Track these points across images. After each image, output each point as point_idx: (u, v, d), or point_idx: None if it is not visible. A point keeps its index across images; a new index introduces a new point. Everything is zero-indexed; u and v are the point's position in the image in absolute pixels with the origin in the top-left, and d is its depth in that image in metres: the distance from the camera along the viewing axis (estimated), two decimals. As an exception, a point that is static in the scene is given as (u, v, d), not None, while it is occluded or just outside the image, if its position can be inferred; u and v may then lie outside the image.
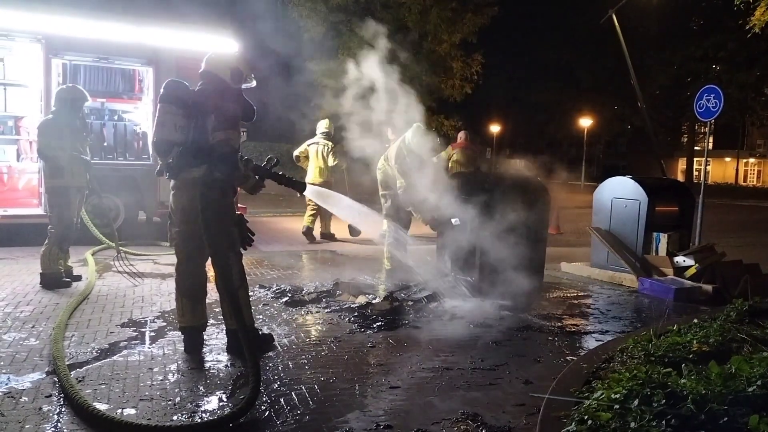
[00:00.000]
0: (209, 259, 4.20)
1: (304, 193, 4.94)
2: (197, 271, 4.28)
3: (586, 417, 2.87)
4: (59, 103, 6.04)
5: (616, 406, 2.88)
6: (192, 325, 4.25)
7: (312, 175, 9.66)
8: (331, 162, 9.63)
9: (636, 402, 2.86)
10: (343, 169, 9.91)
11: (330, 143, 9.67)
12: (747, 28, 9.59)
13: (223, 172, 4.00)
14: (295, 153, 9.98)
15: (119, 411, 3.20)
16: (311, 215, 9.91)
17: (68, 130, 5.94)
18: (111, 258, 7.33)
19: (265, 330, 4.75)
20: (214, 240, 3.96)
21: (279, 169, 4.45)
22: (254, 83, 4.41)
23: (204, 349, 4.26)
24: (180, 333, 4.32)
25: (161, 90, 4.10)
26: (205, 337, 4.52)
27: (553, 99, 40.98)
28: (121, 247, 7.50)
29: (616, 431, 2.72)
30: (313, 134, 10.06)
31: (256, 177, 4.30)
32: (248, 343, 3.63)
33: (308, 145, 9.84)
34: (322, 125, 9.82)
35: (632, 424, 2.71)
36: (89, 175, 6.19)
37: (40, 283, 5.90)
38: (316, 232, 10.08)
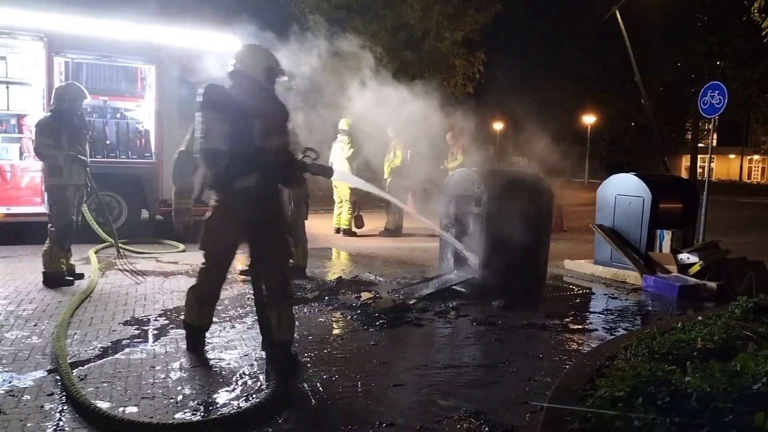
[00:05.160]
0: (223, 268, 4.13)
1: (332, 177, 4.73)
2: (220, 278, 4.15)
3: (589, 415, 2.85)
4: (57, 102, 6.04)
5: (620, 404, 2.86)
6: (196, 324, 4.19)
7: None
8: (346, 153, 9.96)
9: (640, 400, 2.85)
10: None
11: (347, 138, 10.02)
12: (763, 34, 9.58)
13: (286, 180, 3.90)
14: None
15: (121, 409, 3.19)
16: (348, 215, 10.25)
17: (66, 129, 5.93)
18: (113, 256, 7.33)
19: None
20: (275, 250, 3.91)
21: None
22: (286, 79, 4.15)
23: (206, 347, 4.24)
24: (183, 329, 4.28)
25: (201, 95, 3.83)
26: (207, 334, 4.51)
27: (556, 96, 40.87)
28: (122, 245, 7.50)
29: (620, 429, 2.70)
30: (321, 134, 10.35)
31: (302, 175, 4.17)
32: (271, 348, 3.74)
33: (333, 144, 10.13)
34: (342, 123, 10.07)
35: (636, 422, 2.69)
36: (88, 174, 6.18)
37: (43, 282, 5.90)
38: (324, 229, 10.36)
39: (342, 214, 10.51)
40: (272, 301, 3.92)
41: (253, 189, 3.77)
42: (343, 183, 10.00)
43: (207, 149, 3.75)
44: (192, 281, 5.89)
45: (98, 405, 3.15)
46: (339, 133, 10.16)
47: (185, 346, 4.21)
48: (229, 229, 3.91)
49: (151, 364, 3.89)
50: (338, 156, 9.96)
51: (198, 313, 4.16)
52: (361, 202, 10.74)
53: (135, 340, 4.37)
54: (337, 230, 10.57)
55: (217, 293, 4.23)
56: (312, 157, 4.11)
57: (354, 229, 10.42)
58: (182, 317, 4.33)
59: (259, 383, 3.62)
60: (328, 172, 4.51)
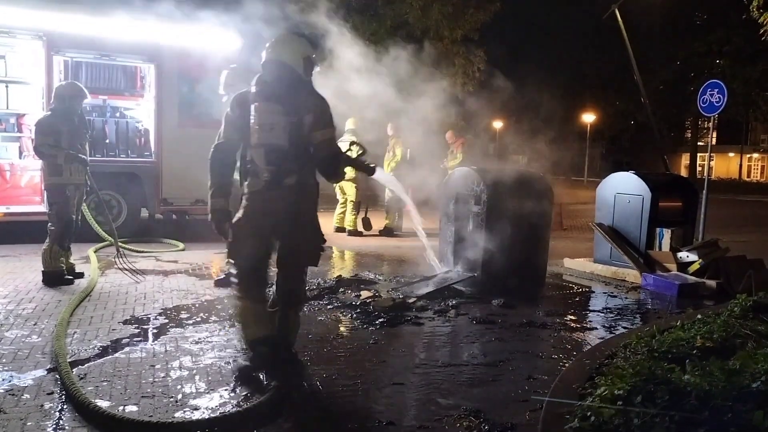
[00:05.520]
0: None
1: (374, 176, 4.57)
2: (262, 282, 3.80)
3: (589, 413, 2.85)
4: (57, 101, 6.04)
5: (620, 403, 2.86)
6: (268, 333, 3.69)
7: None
8: (354, 153, 9.84)
9: (639, 398, 2.84)
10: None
11: (353, 138, 9.94)
12: (761, 32, 9.59)
13: (331, 175, 3.70)
14: None
15: (121, 408, 3.20)
16: (352, 216, 10.29)
17: (66, 128, 5.93)
18: (113, 255, 7.33)
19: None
20: (296, 256, 3.68)
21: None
22: (318, 69, 3.86)
23: (205, 346, 4.25)
24: (247, 347, 3.73)
25: (255, 85, 3.57)
26: (206, 334, 4.53)
27: (556, 95, 40.87)
28: (122, 245, 7.51)
29: (619, 428, 2.70)
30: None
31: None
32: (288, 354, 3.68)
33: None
34: (349, 123, 10.04)
35: (635, 421, 2.69)
36: (88, 173, 6.19)
37: (43, 281, 5.90)
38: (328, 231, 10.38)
39: (345, 214, 10.49)
40: (279, 303, 3.76)
41: (296, 187, 3.55)
42: (348, 183, 9.99)
43: (269, 144, 3.47)
44: (193, 281, 5.88)
45: (97, 403, 3.15)
46: (346, 133, 10.08)
47: (185, 345, 4.20)
48: (264, 232, 3.63)
49: (150, 363, 3.89)
50: None
51: (270, 318, 3.71)
52: (362, 202, 10.74)
53: (135, 339, 4.37)
54: (338, 229, 10.56)
55: (265, 293, 3.82)
56: (357, 152, 3.89)
57: (361, 229, 10.41)
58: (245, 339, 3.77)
59: (259, 381, 3.62)
60: (370, 170, 4.32)
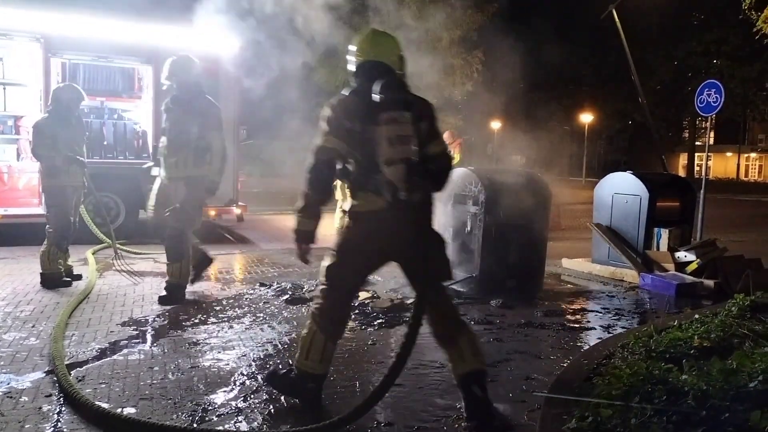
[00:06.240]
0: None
1: None
2: (350, 311, 3.53)
3: (587, 413, 2.86)
4: (55, 103, 6.04)
5: (617, 403, 2.87)
6: (316, 372, 3.32)
7: None
8: None
9: (637, 398, 2.86)
10: None
11: None
12: (755, 30, 9.61)
13: (441, 189, 3.27)
14: None
15: (119, 410, 3.19)
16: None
17: (63, 130, 5.93)
18: (111, 257, 7.33)
19: (266, 327, 4.75)
20: (440, 269, 3.27)
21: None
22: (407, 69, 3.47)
23: (204, 347, 4.25)
24: (298, 378, 3.34)
25: (384, 91, 3.03)
26: (205, 335, 4.53)
27: (554, 95, 40.95)
28: (120, 246, 7.51)
29: (617, 428, 2.71)
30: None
31: None
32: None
33: None
34: None
35: (633, 421, 2.70)
36: (86, 175, 6.19)
37: (41, 283, 5.90)
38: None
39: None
40: (451, 330, 3.31)
41: (423, 203, 3.12)
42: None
43: (408, 158, 2.98)
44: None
45: (98, 404, 3.15)
46: None
47: (183, 346, 4.19)
48: (377, 256, 3.33)
49: (149, 365, 3.89)
50: None
51: (330, 359, 3.36)
52: None
53: (133, 341, 4.37)
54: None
55: (347, 318, 3.50)
56: None
57: None
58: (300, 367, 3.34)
59: (257, 384, 3.62)
60: None
